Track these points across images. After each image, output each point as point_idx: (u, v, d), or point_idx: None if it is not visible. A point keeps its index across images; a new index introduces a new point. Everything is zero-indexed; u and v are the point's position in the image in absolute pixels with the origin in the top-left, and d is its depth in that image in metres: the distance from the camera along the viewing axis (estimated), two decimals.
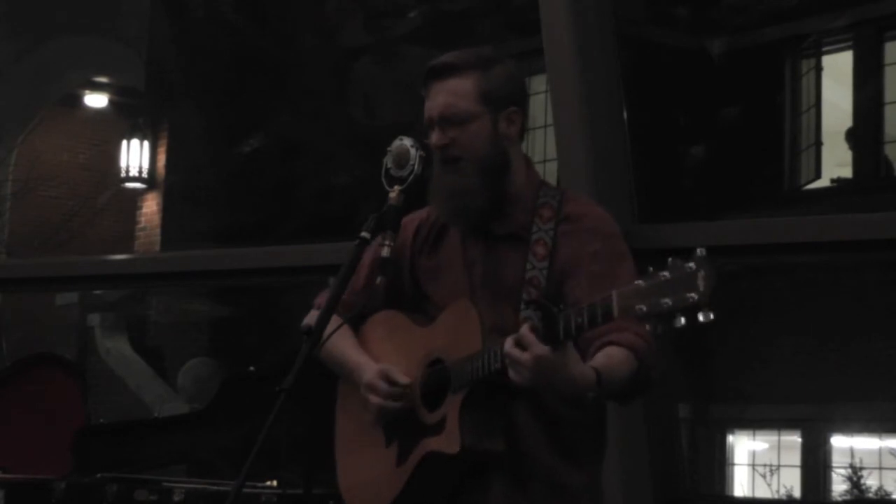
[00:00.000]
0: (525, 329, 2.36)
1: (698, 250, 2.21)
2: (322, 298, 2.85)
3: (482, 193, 2.65)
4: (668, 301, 2.19)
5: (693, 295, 2.17)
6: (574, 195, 2.76)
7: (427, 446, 2.59)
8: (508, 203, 2.69)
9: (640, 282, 2.24)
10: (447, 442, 2.54)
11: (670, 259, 2.22)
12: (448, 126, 2.65)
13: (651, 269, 2.24)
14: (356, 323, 2.84)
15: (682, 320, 2.19)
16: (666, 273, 2.21)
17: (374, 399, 2.67)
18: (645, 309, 2.22)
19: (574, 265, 2.60)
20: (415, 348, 2.70)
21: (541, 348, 2.33)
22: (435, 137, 2.66)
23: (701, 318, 2.18)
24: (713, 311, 2.18)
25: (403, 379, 2.66)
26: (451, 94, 2.65)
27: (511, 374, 2.39)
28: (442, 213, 2.74)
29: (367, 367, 2.71)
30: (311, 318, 2.82)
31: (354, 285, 2.78)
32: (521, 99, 2.73)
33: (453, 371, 2.57)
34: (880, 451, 9.97)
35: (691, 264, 2.19)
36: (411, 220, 2.80)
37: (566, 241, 2.64)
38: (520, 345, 2.36)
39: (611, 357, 2.47)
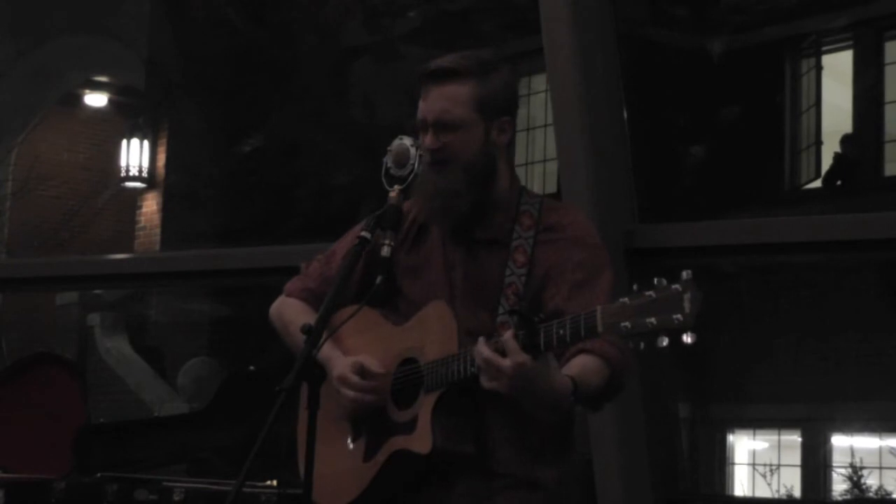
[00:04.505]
0: (508, 335, 2.38)
1: (684, 273, 2.24)
2: (293, 285, 2.87)
3: (466, 197, 2.66)
4: (652, 321, 2.23)
5: (679, 316, 2.21)
6: (553, 204, 2.77)
7: (396, 444, 2.60)
8: (491, 208, 2.70)
9: (625, 299, 2.27)
10: (418, 441, 2.55)
11: (657, 279, 2.25)
12: (442, 131, 2.66)
13: (636, 287, 2.26)
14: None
15: (665, 341, 2.22)
16: (652, 293, 2.24)
17: (348, 392, 2.66)
18: (629, 326, 2.25)
19: (555, 273, 2.61)
20: (388, 345, 2.70)
21: (522, 356, 2.35)
22: (428, 140, 2.67)
23: (686, 339, 2.22)
24: (696, 333, 2.21)
25: (379, 371, 2.66)
26: (448, 99, 2.65)
27: (484, 380, 2.41)
28: (425, 212, 2.74)
29: (338, 360, 2.70)
30: (280, 304, 2.84)
31: (326, 273, 2.80)
32: (514, 108, 2.74)
33: (427, 372, 2.58)
34: (880, 450, 9.98)
35: (678, 286, 2.23)
36: None
37: (546, 249, 2.65)
38: (500, 351, 2.38)
39: (585, 366, 2.49)
